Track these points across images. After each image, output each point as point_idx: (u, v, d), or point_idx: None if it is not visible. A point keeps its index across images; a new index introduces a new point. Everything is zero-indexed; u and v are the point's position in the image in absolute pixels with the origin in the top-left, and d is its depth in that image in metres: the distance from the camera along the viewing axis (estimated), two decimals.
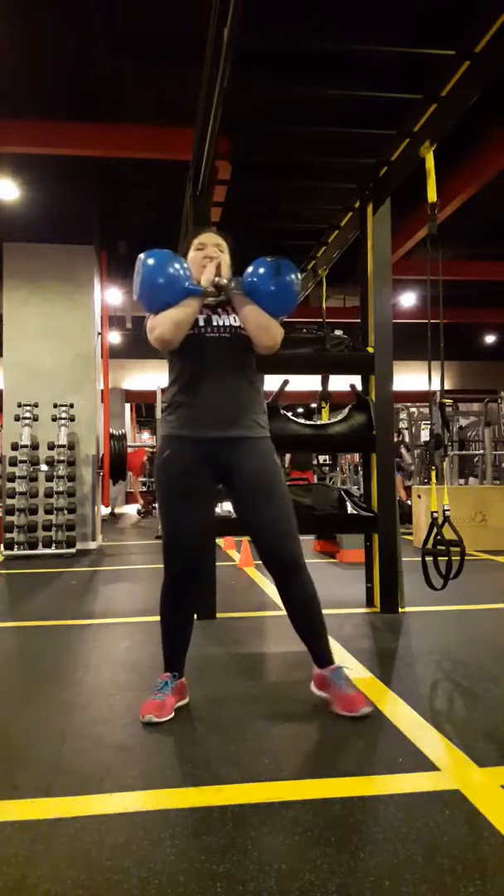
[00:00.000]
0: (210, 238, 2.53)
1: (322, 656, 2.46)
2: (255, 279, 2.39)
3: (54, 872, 1.50)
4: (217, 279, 2.40)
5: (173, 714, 2.39)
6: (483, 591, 4.68)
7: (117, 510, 12.96)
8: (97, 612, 4.27)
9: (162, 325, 2.36)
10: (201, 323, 2.40)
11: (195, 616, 2.72)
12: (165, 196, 7.06)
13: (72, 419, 7.36)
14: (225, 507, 6.76)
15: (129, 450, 12.34)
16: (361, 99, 3.68)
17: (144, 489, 13.68)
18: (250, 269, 2.42)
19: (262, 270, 2.39)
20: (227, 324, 2.42)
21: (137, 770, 2.00)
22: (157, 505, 2.60)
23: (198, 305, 2.38)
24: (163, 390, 2.27)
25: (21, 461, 7.14)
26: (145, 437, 20.34)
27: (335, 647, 3.18)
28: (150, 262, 2.37)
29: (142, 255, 2.40)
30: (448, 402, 10.22)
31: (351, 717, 2.31)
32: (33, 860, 1.55)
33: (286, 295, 2.41)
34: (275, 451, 2.50)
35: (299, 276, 2.46)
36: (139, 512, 13.26)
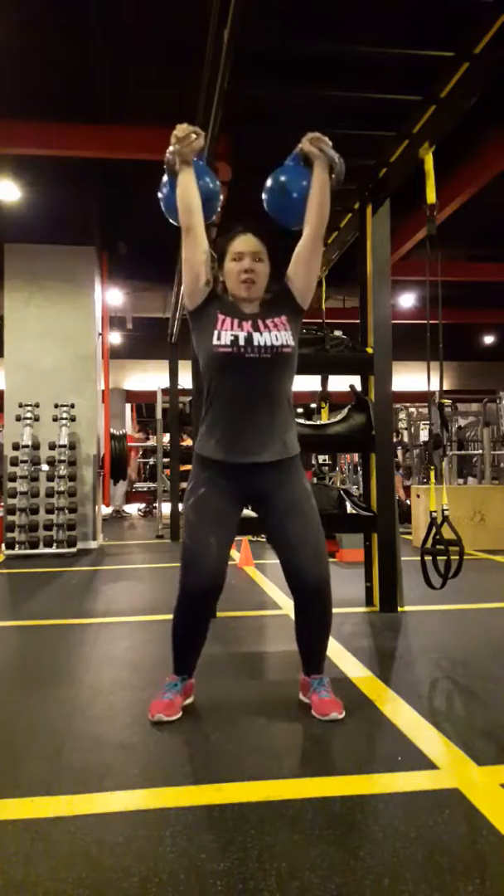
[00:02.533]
0: (248, 244, 2.36)
1: (313, 666, 2.48)
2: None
3: (55, 871, 1.51)
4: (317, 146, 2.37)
5: (181, 713, 2.39)
6: (482, 590, 4.68)
7: (123, 508, 12.96)
8: (98, 611, 4.28)
9: (179, 220, 2.37)
10: (241, 342, 2.30)
11: None
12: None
13: (73, 419, 7.37)
14: None
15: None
16: (361, 100, 3.69)
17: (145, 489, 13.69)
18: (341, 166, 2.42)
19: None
20: (268, 343, 2.31)
21: (138, 768, 2.01)
22: (182, 524, 2.53)
23: (186, 174, 2.36)
24: (194, 405, 2.25)
25: (22, 461, 7.15)
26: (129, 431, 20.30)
27: (335, 646, 3.20)
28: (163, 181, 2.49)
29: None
30: (447, 402, 10.22)
31: (321, 720, 2.33)
32: (34, 858, 1.56)
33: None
34: (305, 475, 2.49)
35: None
36: (140, 511, 13.26)
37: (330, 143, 2.40)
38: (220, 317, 2.35)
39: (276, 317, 2.39)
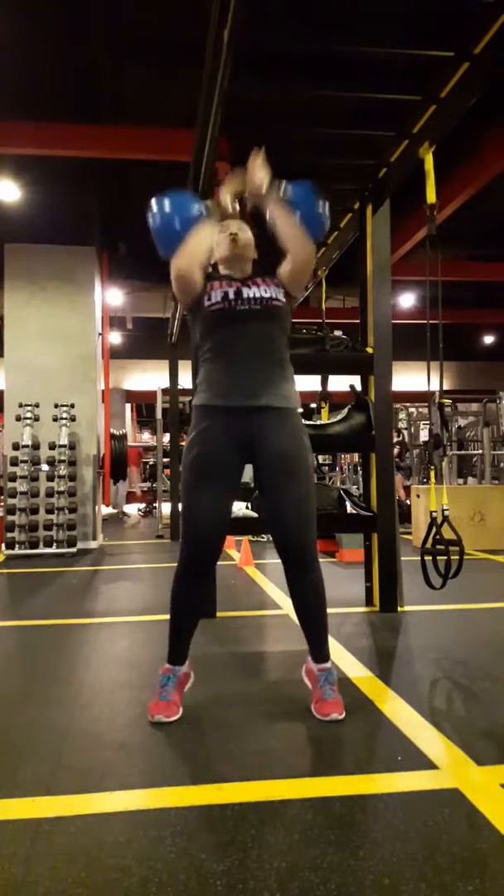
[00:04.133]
0: (232, 220, 2.54)
1: (318, 651, 2.48)
2: (297, 194, 2.40)
3: (55, 871, 1.51)
4: (256, 186, 2.37)
5: (181, 711, 2.39)
6: (482, 590, 4.68)
7: (124, 508, 12.97)
8: (98, 611, 4.28)
9: (175, 260, 2.38)
10: (231, 296, 2.39)
11: None
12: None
13: (73, 419, 7.37)
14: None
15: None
16: (361, 100, 3.69)
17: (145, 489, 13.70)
18: (291, 187, 2.41)
19: (304, 189, 2.41)
20: (257, 295, 2.40)
21: (138, 768, 2.01)
22: (180, 487, 2.55)
23: (210, 229, 2.40)
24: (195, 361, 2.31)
25: (22, 461, 7.15)
26: (146, 437, 20.34)
27: (335, 646, 3.20)
28: (161, 199, 2.45)
29: (153, 199, 2.46)
30: (447, 402, 10.22)
31: (322, 720, 2.32)
32: (34, 858, 1.56)
33: (324, 217, 2.46)
34: (305, 430, 2.49)
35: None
36: (140, 511, 13.26)
37: (260, 178, 2.39)
38: (210, 283, 2.45)
39: (267, 276, 2.48)
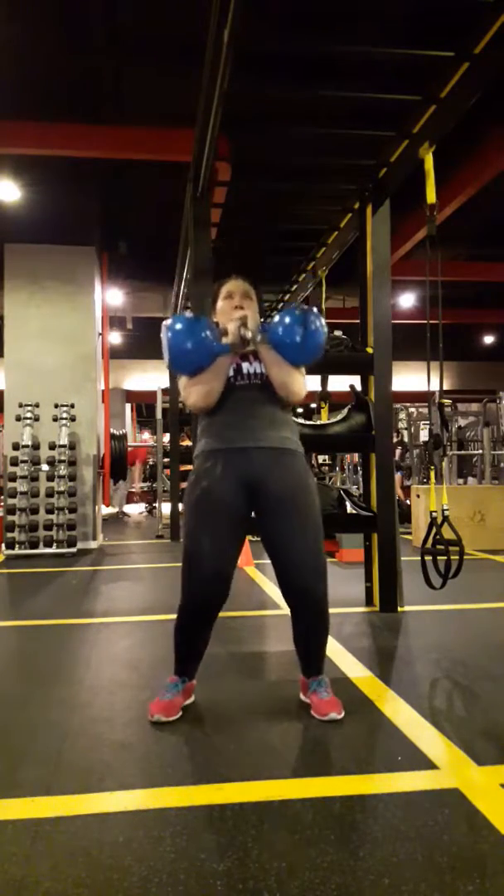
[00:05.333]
0: (238, 287, 2.54)
1: (312, 668, 2.48)
2: (281, 330, 2.38)
3: (55, 871, 1.51)
4: (244, 332, 2.36)
5: (181, 713, 2.39)
6: (482, 590, 4.68)
7: (124, 509, 12.96)
8: (98, 611, 4.28)
9: (195, 394, 2.41)
10: (231, 373, 2.42)
11: None
12: (166, 197, 7.08)
13: (73, 419, 7.37)
14: None
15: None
16: (361, 100, 3.69)
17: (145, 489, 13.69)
18: (277, 318, 2.42)
19: (288, 320, 2.38)
20: (257, 371, 2.43)
21: (138, 768, 2.01)
22: (181, 529, 2.51)
23: (227, 365, 2.40)
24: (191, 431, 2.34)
25: (22, 461, 7.15)
26: (146, 436, 20.34)
27: (335, 646, 3.20)
28: (177, 327, 2.36)
29: (167, 321, 2.41)
30: (447, 402, 10.23)
31: (321, 720, 2.32)
32: (34, 858, 1.56)
33: (312, 346, 2.40)
34: (310, 472, 2.48)
35: (324, 323, 2.45)
36: (141, 511, 13.26)
37: (234, 329, 2.37)
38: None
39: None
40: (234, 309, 2.49)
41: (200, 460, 2.43)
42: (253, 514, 2.42)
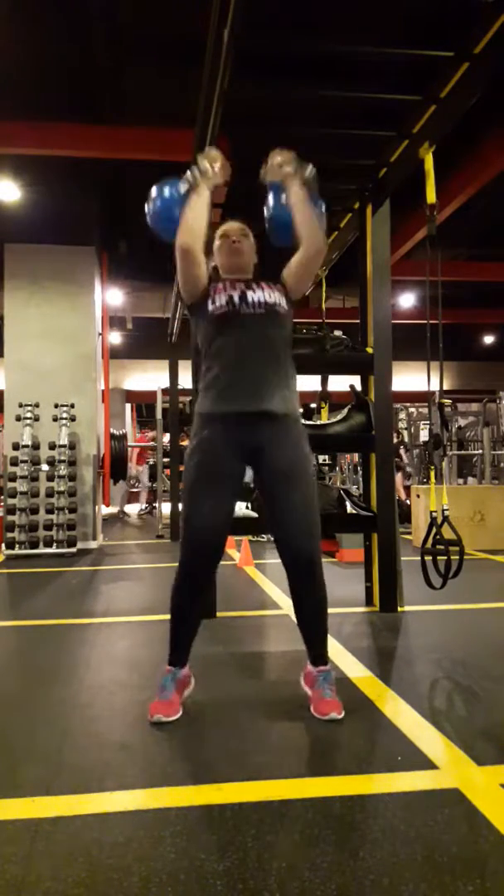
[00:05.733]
0: (233, 226, 2.57)
1: (318, 656, 2.48)
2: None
3: (55, 871, 1.51)
4: (195, 169, 2.43)
5: (182, 711, 2.39)
6: (482, 590, 4.68)
7: (125, 509, 12.96)
8: (98, 611, 4.28)
9: (178, 237, 2.39)
10: (236, 299, 2.40)
11: None
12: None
13: (73, 419, 7.37)
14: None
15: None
16: (361, 100, 3.69)
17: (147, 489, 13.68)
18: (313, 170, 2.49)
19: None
20: (262, 300, 2.42)
21: (138, 768, 2.01)
22: (181, 491, 2.55)
23: (203, 197, 2.41)
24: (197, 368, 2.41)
25: (22, 461, 7.15)
26: (149, 436, 20.33)
27: (335, 646, 3.20)
28: (150, 195, 2.54)
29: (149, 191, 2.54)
30: (447, 402, 10.22)
31: (321, 720, 2.33)
32: (34, 858, 1.56)
33: (321, 213, 2.52)
34: (306, 436, 2.50)
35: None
36: (141, 512, 13.25)
37: (289, 156, 2.44)
38: (213, 286, 2.46)
39: (269, 284, 2.50)
40: (231, 244, 2.51)
41: (200, 423, 2.45)
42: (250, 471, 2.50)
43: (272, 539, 2.52)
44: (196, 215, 2.41)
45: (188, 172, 2.46)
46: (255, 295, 2.43)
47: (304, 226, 2.42)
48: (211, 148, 2.52)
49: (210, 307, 2.43)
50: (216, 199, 2.63)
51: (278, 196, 2.55)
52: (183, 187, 2.48)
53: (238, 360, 2.41)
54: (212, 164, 2.45)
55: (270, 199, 2.62)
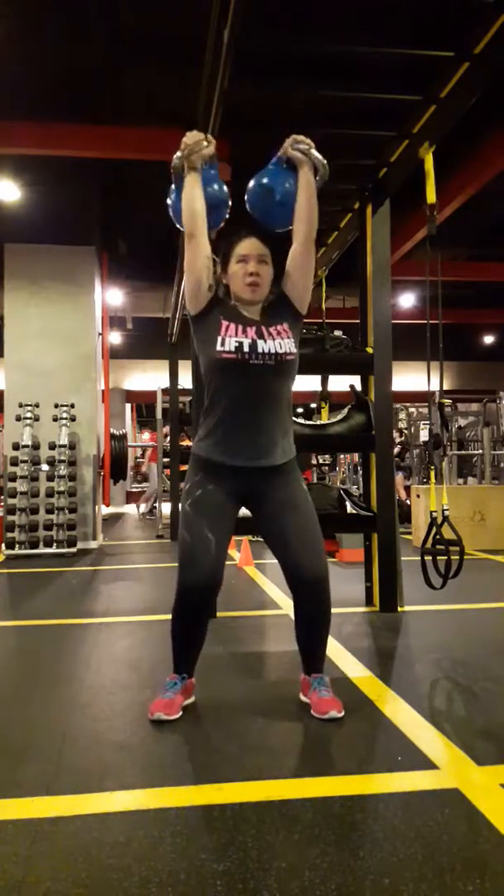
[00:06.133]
0: (253, 247, 2.38)
1: (313, 666, 2.49)
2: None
3: (55, 871, 1.51)
4: (181, 153, 2.37)
5: (182, 712, 2.39)
6: (482, 590, 4.68)
7: (118, 510, 12.97)
8: (98, 611, 4.28)
9: (184, 225, 2.38)
10: (246, 349, 2.31)
11: None
12: (166, 197, 7.07)
13: (73, 419, 7.38)
14: None
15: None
16: (361, 100, 3.69)
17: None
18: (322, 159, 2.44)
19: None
20: (272, 351, 2.33)
21: (138, 768, 2.01)
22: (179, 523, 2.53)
23: (191, 178, 2.36)
24: (196, 409, 2.39)
25: (22, 461, 7.15)
26: (146, 437, 20.35)
27: (335, 646, 3.20)
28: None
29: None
30: (447, 402, 10.22)
31: (321, 719, 2.33)
32: (34, 858, 1.56)
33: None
34: (302, 477, 2.50)
35: None
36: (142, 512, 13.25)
37: (312, 145, 2.41)
38: (224, 322, 2.36)
39: (279, 324, 2.41)
40: (246, 276, 2.37)
41: (198, 466, 2.43)
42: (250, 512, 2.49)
43: (279, 563, 2.48)
44: (189, 198, 2.37)
45: (173, 160, 2.39)
46: (265, 345, 2.33)
47: (307, 210, 2.39)
48: (189, 134, 2.40)
49: (217, 347, 2.33)
50: (222, 176, 2.60)
51: (286, 175, 2.45)
52: (174, 184, 2.47)
53: (241, 411, 2.36)
54: (190, 147, 2.36)
55: (279, 174, 2.48)
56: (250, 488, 2.42)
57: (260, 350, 2.32)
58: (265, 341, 2.34)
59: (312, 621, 2.46)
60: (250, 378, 2.33)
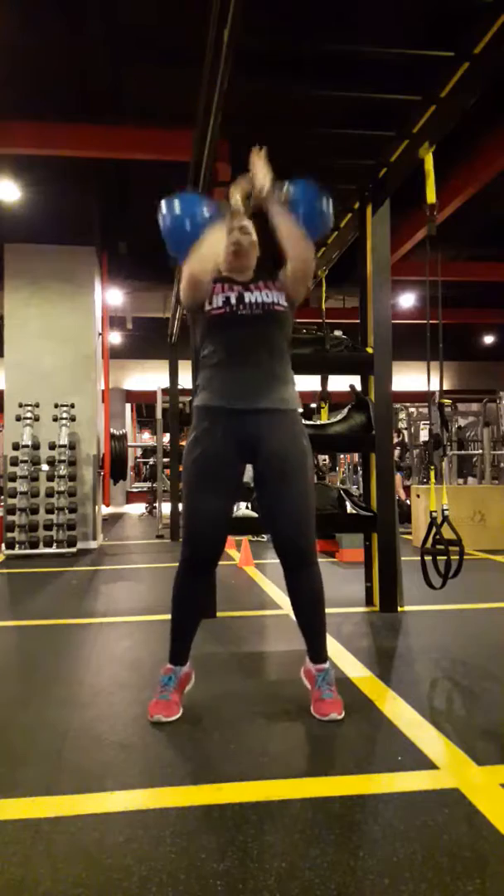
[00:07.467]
0: (242, 221, 2.51)
1: (317, 652, 2.48)
2: (296, 194, 2.41)
3: (55, 871, 1.51)
4: (259, 188, 2.38)
5: (181, 711, 2.39)
6: (482, 590, 4.68)
7: (118, 510, 12.97)
8: (98, 611, 4.28)
9: (189, 264, 2.38)
10: (233, 301, 2.39)
11: None
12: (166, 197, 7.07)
13: (73, 419, 7.38)
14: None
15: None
16: (361, 100, 3.69)
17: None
18: (291, 187, 2.43)
19: (303, 188, 2.42)
20: (259, 300, 2.40)
21: (138, 768, 2.01)
22: (181, 487, 2.56)
23: (223, 232, 2.40)
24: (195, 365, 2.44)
25: (22, 461, 7.16)
26: (146, 437, 20.36)
27: (335, 646, 3.20)
28: (171, 200, 2.46)
29: (163, 200, 2.47)
30: (447, 402, 10.22)
31: (321, 720, 2.32)
32: (34, 858, 1.56)
33: (325, 215, 2.48)
34: (305, 433, 2.49)
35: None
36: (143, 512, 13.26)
37: (262, 178, 2.41)
38: (215, 286, 2.44)
39: (268, 281, 2.47)
40: (235, 246, 2.45)
41: (199, 417, 2.46)
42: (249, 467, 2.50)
43: (271, 539, 2.52)
44: (212, 249, 2.39)
45: (220, 202, 2.44)
46: (252, 296, 2.41)
47: (286, 243, 2.41)
48: (240, 182, 2.46)
49: (207, 307, 2.43)
50: (216, 199, 2.62)
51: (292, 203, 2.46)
52: (208, 210, 2.45)
53: (236, 358, 2.41)
54: (243, 201, 2.42)
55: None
56: (250, 434, 2.39)
57: (247, 301, 2.40)
58: (252, 293, 2.42)
59: (301, 595, 2.47)
60: (243, 327, 2.40)
